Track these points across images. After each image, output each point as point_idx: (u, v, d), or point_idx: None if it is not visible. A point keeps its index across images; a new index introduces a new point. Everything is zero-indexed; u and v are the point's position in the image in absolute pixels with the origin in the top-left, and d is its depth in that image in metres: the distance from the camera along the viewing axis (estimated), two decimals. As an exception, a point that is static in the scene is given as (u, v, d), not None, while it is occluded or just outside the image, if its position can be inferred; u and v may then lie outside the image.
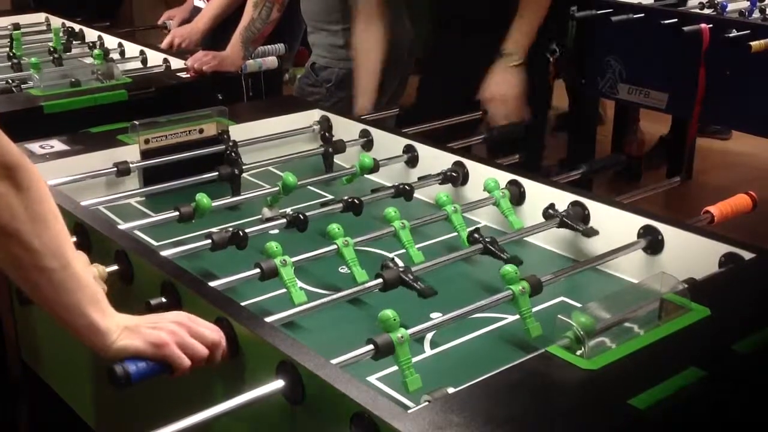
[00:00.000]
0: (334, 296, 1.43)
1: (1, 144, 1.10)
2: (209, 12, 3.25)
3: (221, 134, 2.10)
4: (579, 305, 1.40)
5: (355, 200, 1.77)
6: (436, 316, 1.38)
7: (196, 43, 3.17)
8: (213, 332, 1.23)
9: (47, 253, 1.14)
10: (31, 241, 1.12)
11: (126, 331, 1.19)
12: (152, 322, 1.22)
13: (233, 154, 2.04)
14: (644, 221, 1.62)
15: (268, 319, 1.30)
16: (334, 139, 2.20)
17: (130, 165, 1.97)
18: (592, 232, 1.65)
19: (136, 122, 2.02)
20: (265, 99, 2.64)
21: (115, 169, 1.95)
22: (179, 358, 1.19)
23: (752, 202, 1.74)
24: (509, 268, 1.39)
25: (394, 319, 1.23)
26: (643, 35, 3.41)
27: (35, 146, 2.01)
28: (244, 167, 1.99)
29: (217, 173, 1.94)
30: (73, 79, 2.48)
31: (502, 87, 2.45)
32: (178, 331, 1.20)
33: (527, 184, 1.81)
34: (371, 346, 1.22)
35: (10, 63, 2.89)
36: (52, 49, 3.07)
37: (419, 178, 1.95)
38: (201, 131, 2.09)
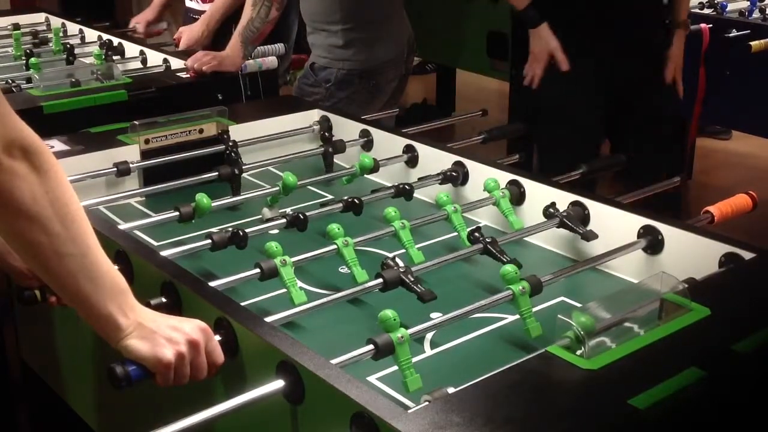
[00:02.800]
0: (334, 296, 1.43)
1: (20, 127, 1.08)
2: (217, 14, 3.19)
3: (221, 134, 2.10)
4: (579, 305, 1.40)
5: (355, 200, 1.77)
6: (436, 316, 1.38)
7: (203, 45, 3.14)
8: (220, 355, 1.21)
9: (67, 238, 1.11)
10: (51, 225, 1.10)
11: (140, 329, 1.16)
12: (172, 327, 1.18)
13: (233, 154, 2.04)
14: (644, 221, 1.62)
15: (268, 319, 1.30)
16: (334, 139, 2.20)
17: (130, 165, 1.97)
18: (591, 236, 1.65)
19: (136, 122, 2.02)
20: (265, 99, 2.63)
21: (115, 169, 1.95)
22: (169, 382, 1.17)
23: (752, 202, 1.74)
24: (509, 268, 1.39)
25: (394, 319, 1.23)
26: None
27: (35, 146, 2.01)
28: (244, 167, 1.99)
29: (217, 173, 1.94)
30: (73, 79, 2.48)
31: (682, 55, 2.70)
32: (189, 352, 1.17)
33: (527, 184, 1.81)
34: (371, 346, 1.22)
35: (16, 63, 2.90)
36: (69, 47, 3.07)
37: (419, 178, 1.95)
38: (201, 131, 2.09)
